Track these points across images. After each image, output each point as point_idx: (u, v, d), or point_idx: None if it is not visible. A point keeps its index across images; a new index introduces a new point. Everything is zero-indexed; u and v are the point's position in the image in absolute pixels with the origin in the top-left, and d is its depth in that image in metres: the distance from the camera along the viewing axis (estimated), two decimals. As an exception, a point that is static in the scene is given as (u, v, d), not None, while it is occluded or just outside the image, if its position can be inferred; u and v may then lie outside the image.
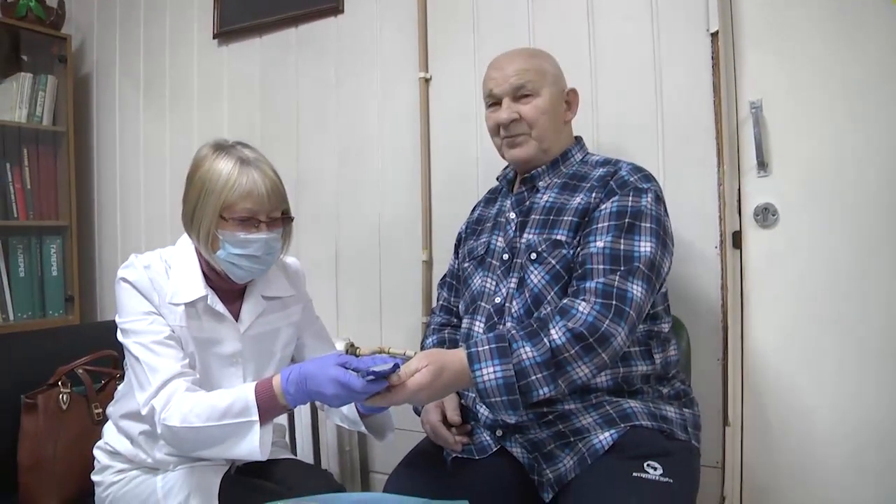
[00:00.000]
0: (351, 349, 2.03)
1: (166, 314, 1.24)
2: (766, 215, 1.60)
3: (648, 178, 1.29)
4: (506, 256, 1.36)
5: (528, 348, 1.10)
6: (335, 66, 2.21)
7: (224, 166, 1.21)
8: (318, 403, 1.48)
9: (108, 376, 1.54)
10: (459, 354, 1.13)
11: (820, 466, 1.55)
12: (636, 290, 1.15)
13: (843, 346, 1.53)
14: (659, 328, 1.30)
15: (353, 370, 1.06)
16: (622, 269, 1.17)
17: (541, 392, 1.10)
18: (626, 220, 1.21)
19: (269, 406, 1.12)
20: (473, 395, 1.34)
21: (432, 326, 1.56)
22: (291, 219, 1.32)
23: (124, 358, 1.27)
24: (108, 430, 1.37)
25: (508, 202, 1.43)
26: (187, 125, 2.53)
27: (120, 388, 1.39)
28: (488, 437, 1.30)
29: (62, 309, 2.63)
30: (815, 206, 1.56)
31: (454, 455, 1.31)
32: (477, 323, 1.37)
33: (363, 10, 2.15)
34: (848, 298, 1.52)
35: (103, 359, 1.54)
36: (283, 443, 1.54)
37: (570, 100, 1.44)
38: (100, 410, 1.47)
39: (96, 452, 1.37)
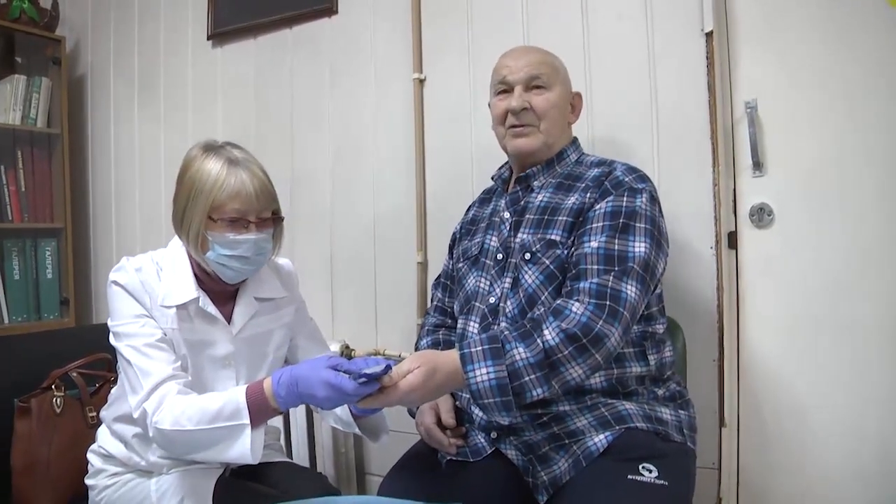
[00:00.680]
0: (346, 351, 2.02)
1: (158, 317, 1.24)
2: (761, 215, 1.59)
3: (643, 178, 1.29)
4: (500, 256, 1.36)
5: (521, 349, 1.10)
6: (329, 67, 2.20)
7: (213, 167, 1.21)
8: (311, 405, 1.48)
9: (103, 379, 1.54)
10: (452, 355, 1.12)
11: (816, 468, 1.55)
12: (630, 290, 1.15)
13: (840, 346, 1.52)
14: (654, 329, 1.29)
15: (344, 372, 1.05)
16: (616, 269, 1.16)
17: (534, 393, 1.09)
18: (621, 221, 1.21)
19: (260, 409, 1.12)
20: (468, 397, 1.33)
21: (426, 327, 1.56)
22: (282, 219, 1.31)
23: (118, 361, 1.27)
24: (102, 433, 1.37)
25: (503, 202, 1.43)
26: (182, 127, 2.52)
27: (113, 391, 1.38)
28: (483, 440, 1.29)
29: (57, 311, 2.62)
30: (811, 206, 1.55)
31: (449, 457, 1.30)
32: (471, 323, 1.36)
33: (357, 11, 2.15)
34: (844, 298, 1.52)
35: (98, 362, 1.53)
36: (277, 445, 1.53)
37: (574, 103, 1.45)
38: (94, 414, 1.47)
39: (90, 456, 1.36)
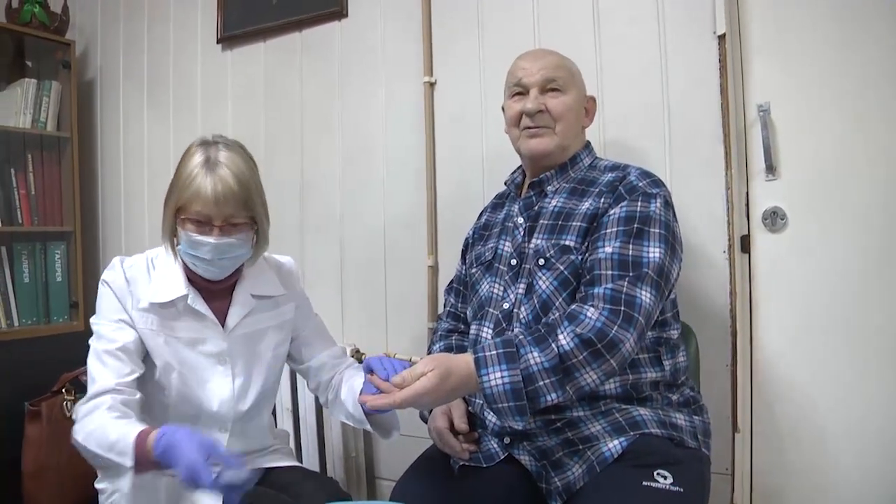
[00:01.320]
0: (356, 355, 2.01)
1: (137, 318, 1.25)
2: (774, 219, 1.58)
3: (657, 183, 1.28)
4: (514, 262, 1.35)
5: (535, 353, 1.09)
6: (339, 71, 2.20)
7: (191, 165, 1.22)
8: (321, 401, 1.47)
9: (113, 383, 1.53)
10: (466, 359, 1.12)
11: (830, 472, 1.53)
12: (645, 296, 1.14)
13: (853, 350, 1.51)
14: (668, 334, 1.28)
15: (215, 465, 1.02)
16: (631, 274, 1.15)
17: (548, 398, 1.09)
18: (635, 226, 1.20)
19: (143, 459, 1.08)
20: (481, 402, 1.33)
21: (439, 332, 1.55)
22: (257, 225, 1.29)
23: None
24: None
25: (516, 207, 1.42)
26: (191, 130, 2.51)
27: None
28: (496, 445, 1.28)
29: (67, 315, 2.61)
30: (824, 210, 1.54)
31: (461, 463, 1.29)
32: (485, 329, 1.35)
33: (367, 14, 2.15)
34: (857, 302, 1.51)
35: (107, 365, 1.53)
36: (287, 449, 1.52)
37: (588, 107, 1.45)
38: (104, 417, 1.46)
39: (99, 460, 1.36)
